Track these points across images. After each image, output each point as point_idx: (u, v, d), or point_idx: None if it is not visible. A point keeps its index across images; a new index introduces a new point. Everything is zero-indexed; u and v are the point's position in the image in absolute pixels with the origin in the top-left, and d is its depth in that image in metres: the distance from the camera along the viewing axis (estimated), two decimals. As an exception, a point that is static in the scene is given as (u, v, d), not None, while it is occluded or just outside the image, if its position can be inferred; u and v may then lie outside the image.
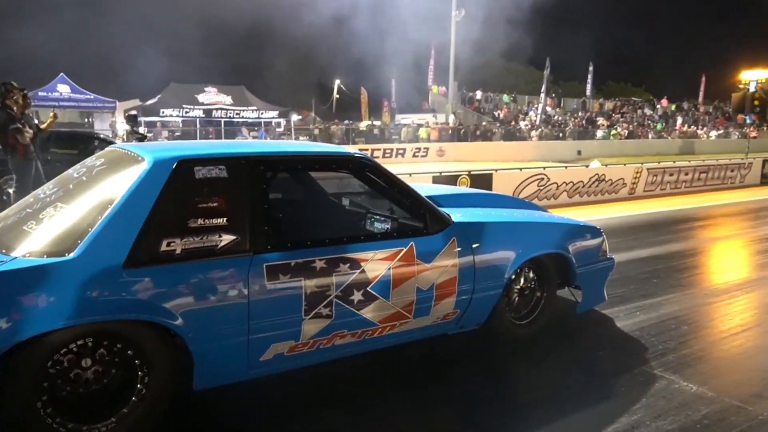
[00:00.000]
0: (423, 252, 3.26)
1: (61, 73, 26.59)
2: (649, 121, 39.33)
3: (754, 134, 32.20)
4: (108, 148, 3.42)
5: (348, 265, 2.99)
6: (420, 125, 29.18)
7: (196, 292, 2.62)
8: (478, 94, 36.89)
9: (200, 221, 2.67)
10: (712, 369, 3.60)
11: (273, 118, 31.14)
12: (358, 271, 3.02)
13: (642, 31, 77.22)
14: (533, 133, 31.20)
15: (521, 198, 8.27)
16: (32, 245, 2.51)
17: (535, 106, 35.08)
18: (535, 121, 33.06)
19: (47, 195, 2.97)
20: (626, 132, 35.00)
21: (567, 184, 11.86)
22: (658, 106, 42.82)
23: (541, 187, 11.39)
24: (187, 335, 2.61)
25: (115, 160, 3.02)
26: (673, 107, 43.04)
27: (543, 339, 3.97)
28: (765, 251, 7.21)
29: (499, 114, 35.04)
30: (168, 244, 2.58)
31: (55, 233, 2.57)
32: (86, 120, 29.27)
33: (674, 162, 14.88)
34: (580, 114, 37.32)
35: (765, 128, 38.79)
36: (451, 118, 31.00)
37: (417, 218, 3.38)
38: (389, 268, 3.12)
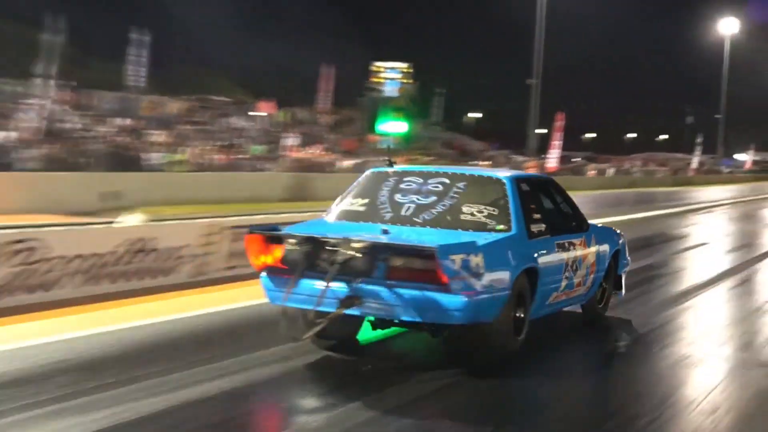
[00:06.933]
0: (587, 242, 5.23)
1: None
2: (243, 139, 26.31)
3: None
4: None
5: (573, 246, 4.99)
6: None
7: (547, 254, 4.58)
8: None
9: (532, 215, 4.62)
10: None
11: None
12: (574, 250, 4.99)
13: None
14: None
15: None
16: (481, 227, 4.28)
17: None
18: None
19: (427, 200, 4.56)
20: (214, 157, 21.27)
21: (80, 260, 6.00)
22: (256, 114, 29.81)
23: (28, 265, 5.65)
24: (540, 279, 4.45)
25: (473, 182, 4.75)
26: (282, 115, 30.75)
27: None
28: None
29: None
30: (531, 227, 4.49)
31: (491, 221, 4.33)
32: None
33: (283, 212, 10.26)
34: (118, 121, 22.10)
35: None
36: None
37: (581, 220, 5.34)
38: (582, 250, 5.10)
